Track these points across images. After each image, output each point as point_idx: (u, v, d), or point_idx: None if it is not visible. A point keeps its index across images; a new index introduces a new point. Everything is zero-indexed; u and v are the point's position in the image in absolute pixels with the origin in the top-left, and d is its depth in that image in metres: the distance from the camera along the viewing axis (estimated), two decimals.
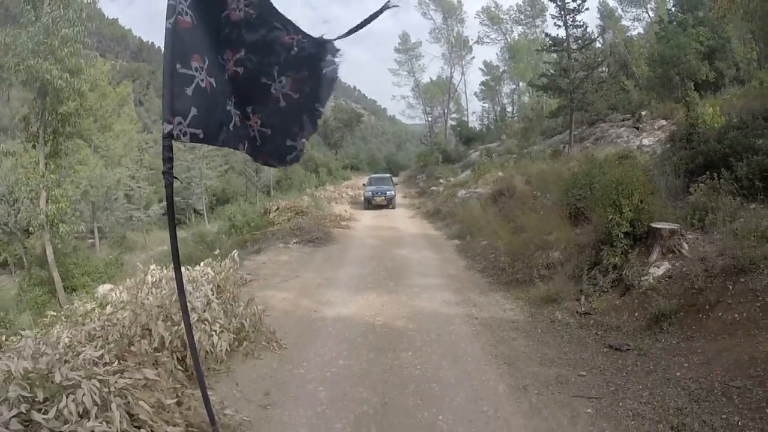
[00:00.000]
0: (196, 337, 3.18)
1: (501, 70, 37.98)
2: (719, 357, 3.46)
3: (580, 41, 15.16)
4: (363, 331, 4.32)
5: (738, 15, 9.25)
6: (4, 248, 22.64)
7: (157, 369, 2.60)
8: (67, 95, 8.68)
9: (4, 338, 3.42)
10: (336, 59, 2.08)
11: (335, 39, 2.09)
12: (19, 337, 3.22)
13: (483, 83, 41.61)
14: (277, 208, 11.71)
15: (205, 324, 3.41)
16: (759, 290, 3.87)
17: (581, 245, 5.60)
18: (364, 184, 18.79)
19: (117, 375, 2.35)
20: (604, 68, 16.64)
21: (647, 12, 29.83)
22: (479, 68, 42.08)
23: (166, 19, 1.71)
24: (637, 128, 14.47)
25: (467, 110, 42.85)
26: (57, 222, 8.89)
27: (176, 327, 3.01)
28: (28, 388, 2.16)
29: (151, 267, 4.75)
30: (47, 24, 8.29)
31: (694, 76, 11.98)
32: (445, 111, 39.91)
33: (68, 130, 9.46)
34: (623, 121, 15.67)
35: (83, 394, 2.17)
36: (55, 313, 4.76)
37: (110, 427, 2.02)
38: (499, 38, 37.81)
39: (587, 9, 15.18)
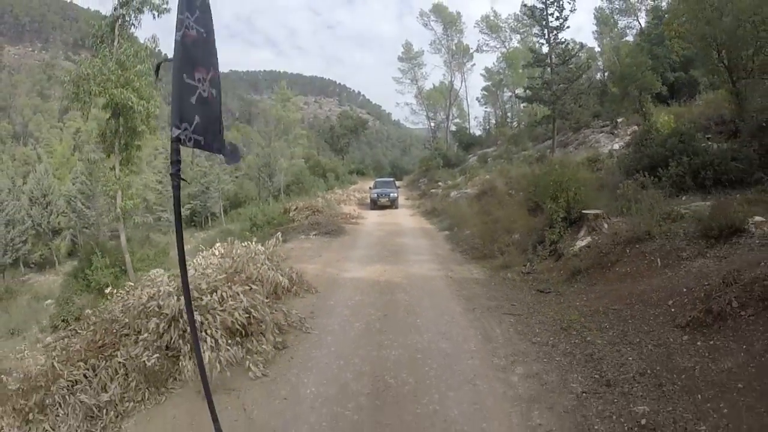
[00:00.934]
0: (270, 276, 5.11)
1: (499, 77, 39.81)
2: (609, 294, 5.35)
3: (560, 57, 17.02)
4: (371, 284, 6.29)
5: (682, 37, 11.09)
6: (38, 247, 24.99)
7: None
8: (141, 117, 10.78)
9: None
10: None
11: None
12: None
13: (485, 89, 43.60)
14: (296, 208, 13.74)
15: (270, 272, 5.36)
16: (647, 252, 5.76)
17: (534, 228, 7.52)
18: (370, 187, 20.57)
19: (233, 284, 4.31)
20: (584, 79, 18.46)
21: (638, 20, 31.73)
22: (480, 74, 44.00)
23: (176, 31, 1.84)
24: (613, 134, 16.34)
25: (469, 115, 44.90)
26: (131, 215, 11.03)
27: (262, 266, 4.98)
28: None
29: (216, 245, 6.72)
30: (123, 60, 10.40)
31: (650, 90, 13.81)
32: (447, 117, 41.85)
33: (137, 143, 11.58)
34: (602, 127, 17.54)
35: (221, 292, 4.13)
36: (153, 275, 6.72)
37: (240, 305, 3.98)
38: (498, 46, 39.76)
39: (568, 27, 17.08)
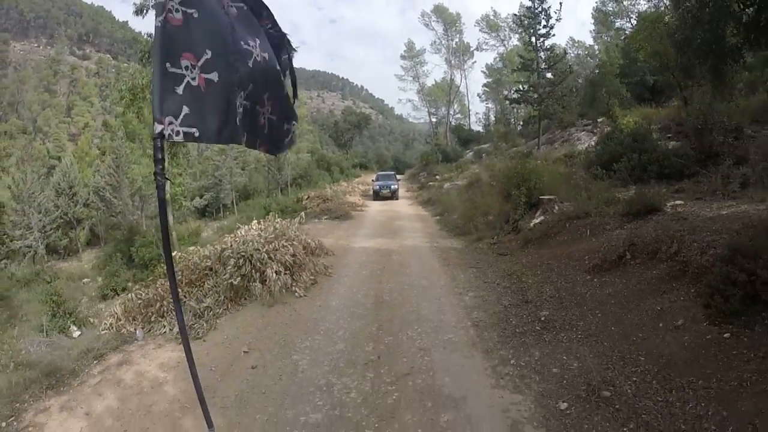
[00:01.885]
0: (302, 239, 7.09)
1: (498, 76, 41.55)
2: (547, 254, 7.30)
3: (546, 62, 18.85)
4: (374, 250, 8.33)
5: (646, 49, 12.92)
6: (64, 235, 27.13)
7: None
8: None
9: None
10: (289, 53, 2.34)
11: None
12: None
13: (486, 85, 45.39)
14: (308, 197, 15.76)
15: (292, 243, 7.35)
16: (581, 226, 7.71)
17: (504, 211, 9.49)
18: (372, 180, 22.44)
19: (280, 241, 6.31)
20: (568, 82, 20.26)
21: (630, 23, 33.41)
22: (481, 71, 45.76)
23: (155, 17, 1.69)
24: (593, 132, 18.21)
25: (469, 111, 46.76)
26: (180, 200, 13.11)
27: (295, 233, 6.99)
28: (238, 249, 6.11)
29: (254, 222, 8.70)
30: None
31: (617, 94, 15.65)
32: (448, 113, 43.73)
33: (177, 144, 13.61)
34: (585, 126, 19.40)
35: (275, 244, 6.14)
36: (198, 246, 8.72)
37: (287, 252, 5.99)
38: (497, 45, 41.48)
39: (554, 35, 18.90)
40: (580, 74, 20.81)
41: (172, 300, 1.76)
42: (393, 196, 19.86)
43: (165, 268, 1.98)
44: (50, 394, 3.76)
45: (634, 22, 33.28)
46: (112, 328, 5.09)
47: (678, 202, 7.55)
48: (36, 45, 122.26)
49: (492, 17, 40.71)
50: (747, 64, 9.07)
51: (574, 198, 8.85)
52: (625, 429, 2.98)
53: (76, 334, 6.24)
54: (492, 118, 44.36)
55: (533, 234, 8.04)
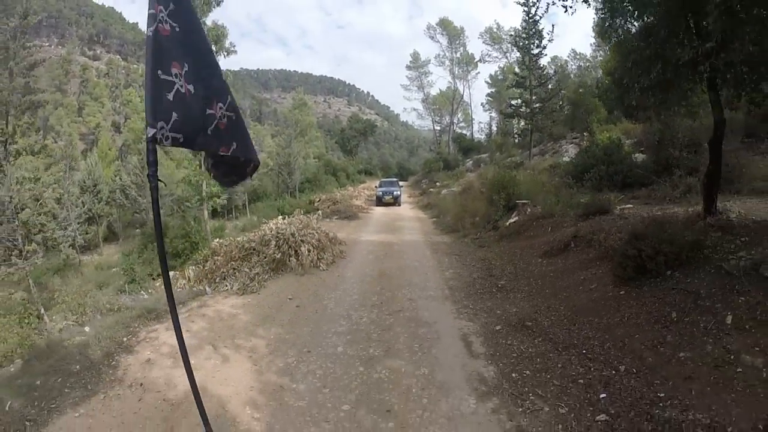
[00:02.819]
0: (322, 229, 9.09)
1: (498, 88, 43.64)
2: (515, 246, 9.27)
3: (538, 80, 20.86)
4: (378, 243, 10.33)
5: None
6: (88, 229, 29.25)
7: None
8: None
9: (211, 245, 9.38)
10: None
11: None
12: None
13: (489, 95, 47.46)
14: (319, 200, 17.80)
15: (315, 231, 9.35)
16: (545, 224, 9.68)
17: (487, 213, 11.46)
18: (375, 186, 23.43)
19: (307, 229, 8.35)
20: (557, 98, 22.22)
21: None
22: (485, 81, 47.79)
23: (147, 27, 1.79)
24: (580, 145, 20.19)
25: (472, 121, 48.87)
26: (214, 198, 15.23)
27: (317, 225, 8.99)
28: (279, 232, 8.15)
29: (279, 218, 10.70)
30: None
31: (595, 112, 17.61)
32: (451, 123, 45.86)
33: None
34: (574, 139, 21.39)
35: (304, 231, 8.17)
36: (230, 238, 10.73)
37: (314, 237, 8.02)
38: (500, 57, 43.59)
39: (546, 55, 20.93)
40: (574, 88, 22.65)
41: (167, 301, 1.96)
42: (395, 202, 20.94)
43: (161, 267, 1.96)
44: (153, 322, 5.72)
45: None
46: (185, 287, 7.10)
47: (628, 206, 9.48)
48: (48, 44, 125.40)
49: (495, 30, 42.85)
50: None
51: (544, 202, 10.81)
52: (535, 341, 4.92)
53: (146, 296, 8.25)
54: (494, 128, 46.41)
55: (508, 231, 10.01)
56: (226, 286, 6.87)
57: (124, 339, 5.02)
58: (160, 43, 1.82)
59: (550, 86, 21.29)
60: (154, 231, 1.88)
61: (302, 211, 10.86)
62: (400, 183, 25.71)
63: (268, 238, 7.84)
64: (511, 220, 10.42)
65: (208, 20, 15.08)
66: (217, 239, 9.64)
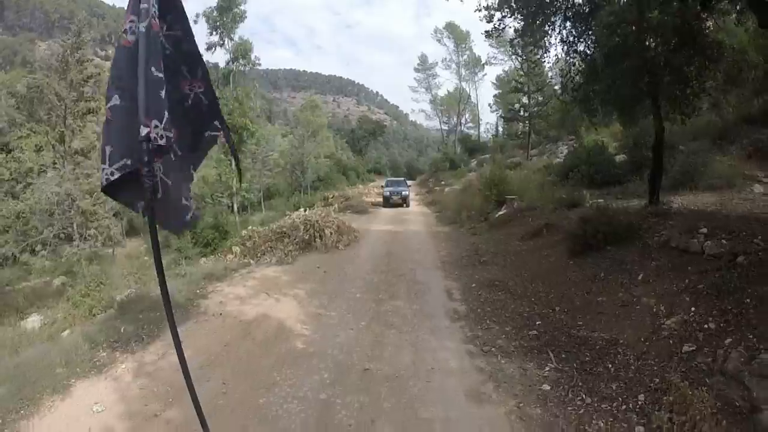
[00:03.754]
0: (334, 225, 11.01)
1: (507, 87, 45.27)
2: (501, 233, 11.13)
3: (536, 86, 22.59)
4: (386, 231, 12.27)
5: None
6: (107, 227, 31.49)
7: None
8: (248, 133, 17.01)
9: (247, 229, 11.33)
10: (216, 133, 2.15)
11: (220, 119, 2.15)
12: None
13: (496, 96, 49.07)
14: (333, 196, 19.75)
15: (334, 220, 11.27)
16: (528, 216, 11.52)
17: (482, 207, 13.30)
18: (381, 186, 22.73)
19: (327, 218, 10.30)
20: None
21: None
22: (491, 82, 49.41)
23: (140, 22, 1.75)
24: (574, 147, 21.88)
25: (479, 121, 50.55)
26: (244, 193, 17.38)
27: (331, 218, 10.93)
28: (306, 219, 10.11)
29: (301, 210, 12.63)
30: (241, 98, 16.63)
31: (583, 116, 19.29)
32: (457, 124, 47.64)
33: (243, 148, 17.82)
34: (569, 140, 23.09)
35: (325, 219, 10.12)
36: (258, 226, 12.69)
37: (333, 223, 9.96)
38: (506, 59, 45.20)
39: (545, 61, 22.60)
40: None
41: (162, 300, 1.96)
42: (404, 202, 20.45)
43: (156, 266, 1.91)
44: (215, 282, 7.65)
45: None
46: (234, 261, 9.06)
47: (600, 200, 11.24)
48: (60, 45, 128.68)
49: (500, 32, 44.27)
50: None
51: (529, 198, 12.64)
52: (498, 293, 6.77)
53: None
54: (500, 128, 48.02)
55: (497, 222, 11.84)
56: (266, 259, 8.82)
57: (197, 291, 6.98)
58: (153, 39, 1.79)
59: (546, 92, 23.01)
60: (149, 230, 1.84)
61: (322, 205, 12.77)
62: (408, 182, 25.76)
63: (296, 224, 9.79)
64: (501, 213, 12.24)
65: (236, 36, 17.23)
66: (250, 227, 11.62)
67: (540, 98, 22.35)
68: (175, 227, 2.17)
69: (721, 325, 4.27)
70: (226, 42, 16.72)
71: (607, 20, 7.70)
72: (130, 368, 4.40)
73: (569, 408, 3.64)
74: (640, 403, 3.67)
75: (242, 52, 16.87)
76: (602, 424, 3.44)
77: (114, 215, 32.45)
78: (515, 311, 5.88)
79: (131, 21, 1.77)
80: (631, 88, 8.25)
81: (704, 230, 6.17)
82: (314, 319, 5.61)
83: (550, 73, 21.04)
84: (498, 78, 47.27)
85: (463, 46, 44.24)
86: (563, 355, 4.54)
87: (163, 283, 1.86)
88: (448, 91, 49.82)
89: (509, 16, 7.40)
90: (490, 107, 51.18)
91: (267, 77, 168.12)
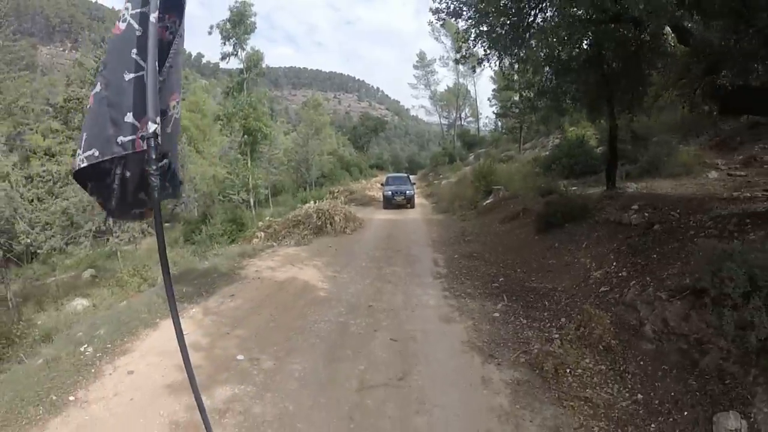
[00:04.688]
0: (342, 214, 12.81)
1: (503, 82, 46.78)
2: (486, 218, 12.91)
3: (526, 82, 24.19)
4: (387, 219, 14.08)
5: None
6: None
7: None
8: (262, 135, 18.83)
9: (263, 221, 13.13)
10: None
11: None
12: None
13: (494, 90, 50.63)
14: (338, 191, 21.55)
15: (342, 209, 13.06)
16: (511, 202, 13.29)
17: (472, 197, 15.06)
18: (381, 184, 20.51)
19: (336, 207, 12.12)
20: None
21: None
22: (490, 77, 50.93)
23: (150, 12, 1.65)
24: (559, 140, 23.53)
25: (478, 116, 52.15)
26: (258, 188, 19.23)
27: (342, 205, 12.70)
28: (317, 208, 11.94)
29: (311, 202, 14.43)
30: (255, 104, 18.41)
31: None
32: (456, 119, 49.29)
33: (257, 149, 19.64)
34: (559, 135, 24.73)
35: (334, 208, 11.95)
36: (273, 218, 14.49)
37: (341, 212, 11.78)
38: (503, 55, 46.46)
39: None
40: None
41: (167, 294, 1.84)
42: (408, 203, 18.06)
43: (161, 262, 1.74)
44: (249, 258, 9.46)
45: None
46: (259, 243, 10.89)
47: (573, 188, 12.96)
48: (62, 49, 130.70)
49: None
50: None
51: (513, 187, 14.39)
52: (474, 261, 8.55)
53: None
54: (499, 123, 49.60)
55: (484, 209, 13.61)
56: (286, 242, 10.64)
57: (235, 264, 8.80)
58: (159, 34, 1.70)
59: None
60: (155, 227, 1.78)
61: (329, 198, 14.58)
62: (412, 179, 22.40)
63: (310, 213, 11.60)
64: (488, 201, 14.00)
65: (247, 46, 19.02)
66: (267, 218, 13.44)
67: (531, 95, 23.93)
68: (119, 216, 2.05)
69: (631, 273, 6.02)
70: (239, 52, 18.51)
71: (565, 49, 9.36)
72: (199, 311, 6.21)
73: (509, 326, 5.42)
74: (560, 323, 5.41)
75: (254, 61, 18.67)
76: (530, 334, 5.21)
77: None
78: (485, 273, 7.67)
79: (125, 7, 1.72)
80: (593, 94, 9.98)
81: (635, 207, 7.95)
82: (330, 279, 7.42)
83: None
84: (496, 73, 48.92)
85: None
86: (514, 298, 6.32)
87: (167, 271, 1.80)
88: (447, 86, 51.48)
89: (474, 47, 9.07)
90: (489, 102, 52.85)
91: (267, 75, 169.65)
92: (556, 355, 4.33)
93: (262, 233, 11.27)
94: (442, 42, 46.74)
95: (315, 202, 13.27)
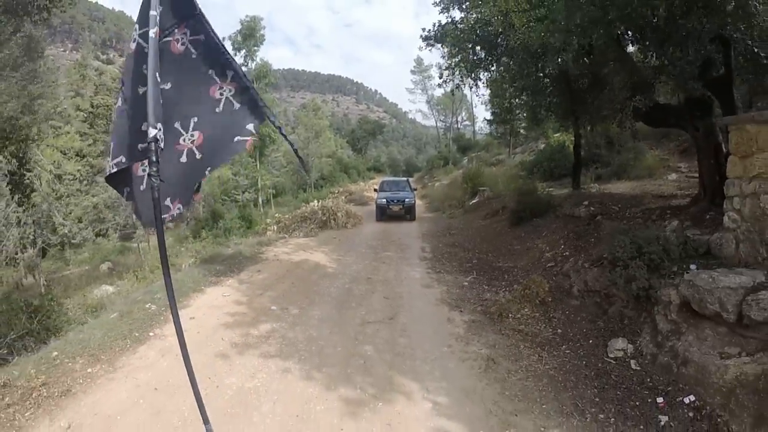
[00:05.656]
0: (343, 211, 14.57)
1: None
2: (470, 216, 14.71)
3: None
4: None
5: None
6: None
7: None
8: (271, 141, 20.64)
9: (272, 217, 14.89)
10: (255, 131, 2.11)
11: (269, 117, 2.16)
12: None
13: (489, 96, 52.52)
14: (338, 191, 23.31)
15: (343, 207, 14.82)
16: (493, 201, 15.11)
17: (460, 197, 16.85)
18: (375, 189, 17.94)
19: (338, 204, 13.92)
20: None
21: None
22: (482, 83, 52.58)
23: (150, 28, 1.88)
24: (543, 145, 25.36)
25: (474, 120, 53.99)
26: (266, 188, 20.98)
27: (341, 206, 14.46)
28: (322, 206, 13.74)
29: (315, 202, 16.19)
30: None
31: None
32: (452, 123, 51.11)
33: (265, 152, 21.42)
34: (546, 140, 26.58)
35: (336, 206, 13.74)
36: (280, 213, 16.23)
37: (343, 209, 13.58)
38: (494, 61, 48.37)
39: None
40: None
41: (168, 297, 2.02)
42: (408, 214, 15.42)
43: (162, 262, 1.92)
44: (266, 246, 11.20)
45: None
46: (272, 235, 12.64)
47: (550, 189, 14.75)
48: (63, 50, 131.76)
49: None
50: None
51: (497, 188, 16.20)
52: (455, 249, 10.34)
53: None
54: (493, 127, 51.40)
55: (470, 208, 15.40)
56: (296, 234, 12.40)
57: (256, 250, 10.56)
58: (159, 47, 1.90)
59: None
60: (156, 228, 1.91)
61: (333, 197, 16.33)
62: (412, 183, 19.93)
63: (315, 210, 13.38)
64: (473, 201, 15.79)
65: (257, 57, 20.81)
66: (277, 214, 15.20)
67: (520, 102, 25.80)
68: (145, 222, 2.22)
69: (571, 252, 7.79)
70: (249, 63, 20.26)
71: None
72: (234, 281, 7.96)
73: (474, 290, 7.19)
74: (512, 288, 7.16)
75: (264, 72, 20.44)
76: (488, 295, 6.97)
77: None
78: (462, 257, 9.46)
79: (134, 29, 1.94)
80: (564, 108, 11.77)
81: (586, 203, 9.75)
82: (336, 261, 9.20)
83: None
84: (488, 80, 50.73)
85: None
86: (482, 273, 8.10)
87: (166, 268, 1.97)
88: (444, 90, 53.18)
89: (452, 74, 10.89)
90: (485, 106, 54.61)
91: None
92: (502, 306, 6.09)
93: (275, 226, 13.03)
94: (439, 48, 48.49)
95: (319, 201, 15.02)
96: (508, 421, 3.68)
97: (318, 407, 3.87)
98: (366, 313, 6.08)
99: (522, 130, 23.98)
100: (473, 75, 10.46)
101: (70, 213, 14.61)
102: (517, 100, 12.06)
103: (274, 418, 3.70)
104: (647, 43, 5.76)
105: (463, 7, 10.77)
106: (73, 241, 15.50)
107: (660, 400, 3.92)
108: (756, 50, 6.15)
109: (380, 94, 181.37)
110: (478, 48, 10.29)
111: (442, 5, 11.11)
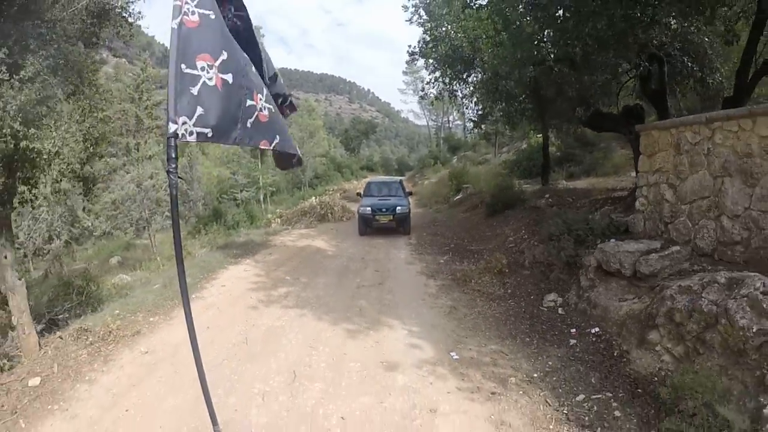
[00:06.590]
0: (339, 206, 16.32)
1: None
2: (454, 210, 16.52)
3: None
4: None
5: None
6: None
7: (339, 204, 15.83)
8: None
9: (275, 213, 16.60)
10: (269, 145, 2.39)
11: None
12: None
13: (477, 96, 54.37)
14: (332, 189, 25.05)
15: (339, 202, 16.57)
16: (475, 197, 16.91)
17: (446, 194, 18.67)
18: (358, 193, 15.00)
19: (335, 201, 15.68)
20: None
21: None
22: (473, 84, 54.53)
23: (172, 19, 1.87)
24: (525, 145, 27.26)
25: (466, 119, 55.88)
26: (267, 186, 22.66)
27: (337, 201, 16.20)
28: (320, 201, 15.49)
29: (313, 198, 17.92)
30: None
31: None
32: (442, 123, 53.04)
33: (266, 152, 23.04)
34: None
35: (333, 202, 15.49)
36: (281, 210, 17.93)
37: (338, 205, 15.35)
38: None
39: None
40: None
41: (180, 291, 2.18)
42: (401, 226, 12.57)
43: (177, 258, 2.11)
44: (273, 236, 12.92)
45: None
46: (276, 227, 14.36)
47: (526, 186, 16.61)
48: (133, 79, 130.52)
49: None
50: None
51: (478, 186, 18.03)
52: (436, 237, 12.12)
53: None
54: (482, 127, 53.30)
55: (454, 203, 17.21)
56: (298, 226, 14.15)
57: (265, 238, 12.30)
58: (185, 36, 1.89)
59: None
60: (172, 223, 1.97)
61: (329, 194, 18.08)
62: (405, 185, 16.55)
63: (314, 205, 15.13)
64: (457, 197, 17.61)
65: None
66: (278, 209, 16.92)
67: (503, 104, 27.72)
68: (284, 166, 2.80)
69: (529, 234, 9.55)
70: None
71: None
72: (251, 261, 9.70)
73: (448, 266, 8.99)
74: (480, 263, 8.94)
75: None
76: (458, 266, 8.76)
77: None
78: (442, 243, 11.26)
79: (186, 2, 1.93)
80: (535, 114, 13.54)
81: (547, 196, 11.59)
82: (335, 246, 10.99)
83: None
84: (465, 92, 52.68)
85: None
86: (456, 254, 9.90)
87: (180, 261, 2.14)
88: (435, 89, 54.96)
89: (432, 88, 12.68)
90: (474, 107, 56.44)
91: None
92: (467, 274, 7.89)
93: (278, 219, 14.76)
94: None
95: (317, 197, 16.75)
96: (460, 341, 5.44)
97: (327, 335, 5.62)
98: (360, 281, 7.87)
99: (506, 131, 25.86)
100: (450, 88, 12.20)
101: (93, 206, 16.21)
102: (492, 105, 13.81)
103: (297, 341, 5.45)
104: (575, 70, 7.58)
105: (435, 35, 12.60)
106: (94, 233, 17.08)
107: (573, 330, 5.64)
108: (690, 65, 8.05)
109: (373, 93, 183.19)
110: (456, 65, 12.07)
111: (418, 24, 12.94)
